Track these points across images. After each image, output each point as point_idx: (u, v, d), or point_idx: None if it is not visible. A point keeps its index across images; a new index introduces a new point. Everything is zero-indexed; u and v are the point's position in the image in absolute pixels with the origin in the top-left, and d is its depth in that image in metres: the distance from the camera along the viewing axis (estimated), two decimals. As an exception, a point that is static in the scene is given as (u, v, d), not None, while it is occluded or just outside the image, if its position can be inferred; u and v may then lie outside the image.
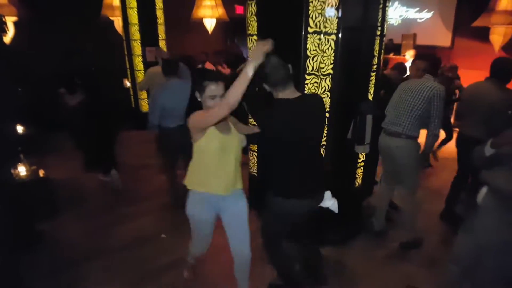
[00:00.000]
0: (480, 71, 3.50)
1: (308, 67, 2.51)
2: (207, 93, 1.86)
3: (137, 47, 6.27)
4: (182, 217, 3.48)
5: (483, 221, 1.92)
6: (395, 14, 7.73)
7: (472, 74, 4.64)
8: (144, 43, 6.26)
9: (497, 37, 5.55)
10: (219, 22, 7.04)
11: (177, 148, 3.48)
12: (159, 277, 2.70)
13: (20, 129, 4.04)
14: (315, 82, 2.53)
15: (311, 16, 2.41)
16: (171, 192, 3.79)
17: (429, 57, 3.06)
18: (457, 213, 3.50)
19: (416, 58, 3.33)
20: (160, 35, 6.45)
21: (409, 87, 2.83)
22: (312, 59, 2.48)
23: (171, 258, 2.92)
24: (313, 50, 2.45)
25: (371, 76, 2.91)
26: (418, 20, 7.42)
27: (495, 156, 1.83)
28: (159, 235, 3.24)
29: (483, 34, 5.92)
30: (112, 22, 6.72)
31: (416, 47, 6.78)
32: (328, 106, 2.61)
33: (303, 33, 2.46)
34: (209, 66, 6.22)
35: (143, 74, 6.36)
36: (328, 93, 2.56)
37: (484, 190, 1.94)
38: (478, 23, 5.76)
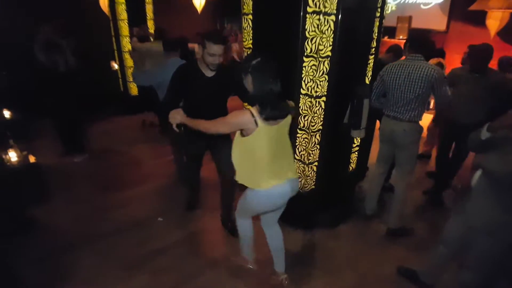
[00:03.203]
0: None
1: (307, 49, 2.42)
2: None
3: (124, 28, 6.02)
4: (175, 201, 3.51)
5: (476, 204, 1.93)
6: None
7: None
8: (131, 23, 6.01)
9: (494, 22, 5.47)
10: (209, 1, 6.82)
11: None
12: (151, 262, 2.67)
13: (7, 114, 3.93)
14: (313, 65, 2.45)
15: (310, -5, 2.31)
16: (177, 169, 3.95)
17: (422, 35, 2.93)
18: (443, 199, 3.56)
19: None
20: (148, 15, 6.23)
21: (411, 78, 2.66)
22: (311, 41, 2.39)
23: (164, 242, 2.90)
24: (312, 31, 2.36)
25: (369, 59, 2.85)
26: (422, 6, 7.16)
27: (490, 140, 1.83)
28: (151, 220, 3.20)
29: (479, 19, 5.84)
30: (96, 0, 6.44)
31: (411, 31, 6.70)
32: (325, 90, 2.55)
33: (301, 13, 2.36)
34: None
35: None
36: (326, 76, 2.49)
37: (478, 173, 1.94)
38: (475, 6, 5.66)
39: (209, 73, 2.49)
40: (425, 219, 3.38)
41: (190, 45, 5.02)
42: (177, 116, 2.14)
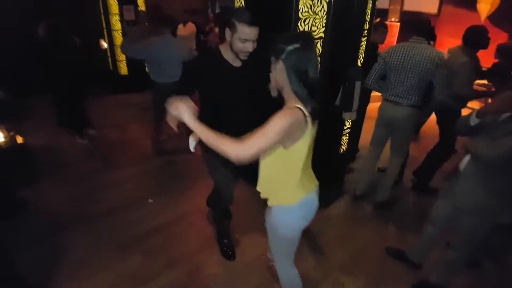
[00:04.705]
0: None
1: (299, 30, 2.41)
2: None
3: (114, 5, 5.88)
4: (167, 181, 3.54)
5: (464, 187, 1.98)
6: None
7: (457, 43, 4.63)
8: (121, 1, 5.88)
9: (485, 6, 5.48)
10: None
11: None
12: (144, 242, 2.70)
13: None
14: (306, 46, 2.44)
15: (303, -26, 2.28)
16: (155, 142, 4.09)
17: (425, 19, 2.92)
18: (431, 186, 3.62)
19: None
20: (138, -8, 6.06)
21: (415, 60, 2.66)
22: (304, 22, 2.37)
23: (155, 223, 2.92)
24: (305, 12, 2.34)
25: (362, 41, 2.85)
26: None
27: (479, 125, 1.88)
28: (143, 200, 3.21)
29: (470, 2, 5.86)
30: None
31: (403, 13, 6.69)
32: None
33: (294, -8, 2.33)
34: (191, 26, 5.95)
35: (120, 34, 6.03)
36: (319, 58, 2.49)
37: (466, 158, 2.00)
38: (466, -10, 5.67)
39: (237, 63, 1.98)
40: (414, 199, 3.48)
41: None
42: (182, 112, 1.38)
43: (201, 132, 1.35)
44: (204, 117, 1.70)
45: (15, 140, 3.30)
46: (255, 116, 1.94)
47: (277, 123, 1.30)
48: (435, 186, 3.57)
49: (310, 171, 1.67)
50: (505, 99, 1.77)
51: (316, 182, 1.70)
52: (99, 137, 4.53)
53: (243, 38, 1.78)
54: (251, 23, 1.75)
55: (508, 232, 2.40)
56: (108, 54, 6.36)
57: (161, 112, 3.87)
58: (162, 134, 4.15)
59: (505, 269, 2.62)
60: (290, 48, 1.35)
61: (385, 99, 2.93)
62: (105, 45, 6.24)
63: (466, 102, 3.22)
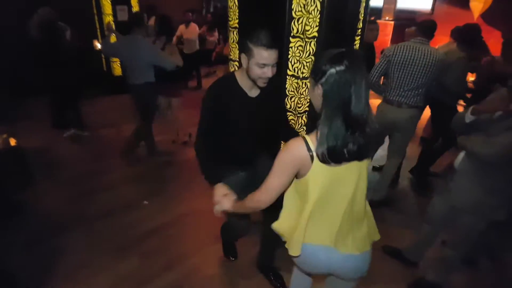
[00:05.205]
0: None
1: (293, 29, 2.42)
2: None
3: (107, 6, 5.85)
4: (163, 183, 3.53)
5: (459, 184, 2.00)
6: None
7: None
8: (114, 1, 5.84)
9: (477, 4, 5.54)
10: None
11: (144, 103, 3.71)
12: (141, 244, 2.71)
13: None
14: (300, 46, 2.45)
15: (296, -27, 2.28)
16: (146, 143, 4.05)
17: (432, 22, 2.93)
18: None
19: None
20: (132, -8, 6.04)
21: (425, 61, 2.68)
22: (298, 21, 2.38)
23: (153, 225, 2.92)
24: (299, 11, 2.35)
25: (355, 40, 2.86)
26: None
27: (474, 122, 1.90)
28: (140, 202, 3.21)
29: (463, 0, 5.92)
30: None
31: (397, 11, 6.72)
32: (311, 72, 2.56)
33: (288, -8, 2.34)
34: (194, 27, 5.96)
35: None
36: (313, 57, 2.49)
37: (461, 155, 2.01)
38: (459, -12, 5.72)
39: (253, 92, 1.82)
40: (410, 198, 3.51)
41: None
42: (224, 202, 1.56)
43: (239, 207, 1.51)
44: (214, 134, 1.83)
45: (8, 142, 3.28)
46: (268, 138, 2.04)
47: (279, 161, 1.26)
48: (431, 183, 3.60)
49: (339, 229, 1.36)
50: (500, 98, 1.79)
51: (339, 245, 1.41)
52: (95, 138, 4.53)
53: (261, 63, 1.61)
54: (269, 46, 1.57)
55: (504, 229, 2.42)
56: (102, 55, 6.33)
57: (139, 112, 3.89)
58: (154, 135, 4.13)
59: (501, 267, 2.64)
60: (332, 70, 1.14)
61: (385, 101, 2.93)
62: (98, 45, 6.19)
63: (460, 98, 3.27)
